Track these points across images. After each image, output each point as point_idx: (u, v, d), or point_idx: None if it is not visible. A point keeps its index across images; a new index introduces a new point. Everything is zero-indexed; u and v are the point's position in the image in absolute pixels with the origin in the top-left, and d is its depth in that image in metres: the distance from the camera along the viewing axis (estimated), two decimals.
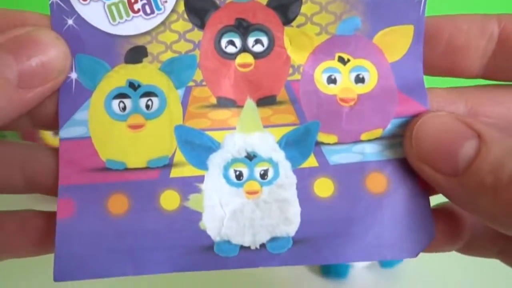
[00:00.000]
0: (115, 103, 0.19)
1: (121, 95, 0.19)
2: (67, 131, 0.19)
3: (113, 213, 0.19)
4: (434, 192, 0.19)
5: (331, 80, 0.19)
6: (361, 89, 0.19)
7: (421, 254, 0.32)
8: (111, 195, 0.19)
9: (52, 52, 0.18)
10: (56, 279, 0.18)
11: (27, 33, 0.17)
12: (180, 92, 0.19)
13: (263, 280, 0.33)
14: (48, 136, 0.39)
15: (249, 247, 0.19)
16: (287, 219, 0.19)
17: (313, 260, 0.18)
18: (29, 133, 0.39)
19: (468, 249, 0.20)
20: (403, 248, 0.18)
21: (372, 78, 0.19)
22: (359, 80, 0.19)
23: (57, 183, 0.19)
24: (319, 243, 0.18)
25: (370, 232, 0.18)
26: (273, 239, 0.19)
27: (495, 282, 0.31)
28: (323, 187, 0.19)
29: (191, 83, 0.19)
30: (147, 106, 0.19)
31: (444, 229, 0.19)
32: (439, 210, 0.20)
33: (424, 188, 0.19)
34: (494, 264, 0.30)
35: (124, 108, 0.19)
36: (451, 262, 0.32)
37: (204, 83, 0.19)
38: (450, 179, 0.17)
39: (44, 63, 0.17)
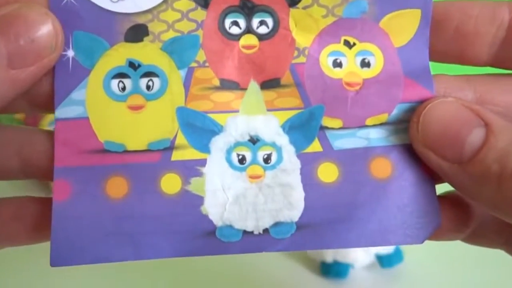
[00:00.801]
0: (114, 82, 0.18)
1: (120, 75, 0.18)
2: (63, 111, 0.18)
3: (111, 197, 0.18)
4: (440, 180, 0.19)
5: (337, 64, 0.19)
6: (366, 73, 0.19)
7: (421, 254, 0.32)
8: (109, 177, 0.18)
9: (41, 29, 0.17)
10: (53, 264, 0.17)
11: (14, 11, 0.16)
12: (182, 73, 0.19)
13: (262, 280, 0.32)
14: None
15: (252, 232, 0.18)
16: (291, 204, 0.18)
17: (316, 245, 0.18)
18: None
19: (474, 238, 0.20)
20: (407, 234, 0.18)
21: (378, 62, 0.19)
22: (365, 64, 0.19)
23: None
24: (323, 228, 0.18)
25: (374, 217, 0.18)
26: (277, 224, 0.18)
27: (496, 282, 0.31)
28: (327, 172, 0.19)
29: (193, 64, 0.19)
30: (148, 87, 0.19)
31: (451, 217, 0.19)
32: (447, 198, 0.19)
33: (430, 175, 0.18)
34: (495, 264, 0.30)
35: (123, 88, 0.18)
36: (451, 262, 0.32)
37: (207, 64, 0.19)
38: (455, 167, 0.17)
39: (34, 40, 0.17)
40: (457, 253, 0.31)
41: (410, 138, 0.18)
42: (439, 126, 0.17)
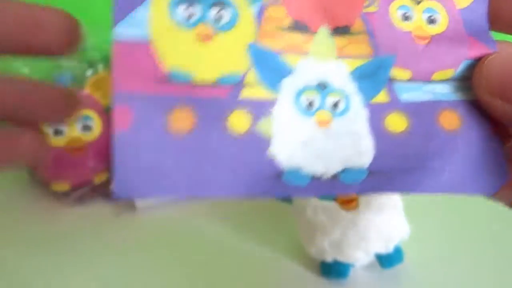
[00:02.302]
0: (182, 8, 0.17)
1: (188, 0, 0.17)
2: (124, 31, 0.17)
3: (175, 129, 0.16)
4: (507, 139, 0.19)
5: (405, 18, 0.19)
6: (433, 29, 0.19)
7: (421, 254, 0.32)
8: (175, 109, 0.16)
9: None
10: (116, 195, 0.15)
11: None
12: (255, 8, 0.18)
13: (262, 280, 0.31)
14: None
15: (320, 177, 0.17)
16: (360, 152, 0.18)
17: (390, 188, 0.17)
18: None
19: None
20: (479, 186, 0.18)
21: (443, 20, 0.19)
22: (431, 21, 0.19)
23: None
24: (395, 174, 0.17)
25: (446, 168, 0.18)
26: (346, 170, 0.17)
27: (496, 282, 0.31)
28: (396, 122, 0.18)
29: (266, 0, 0.18)
30: (217, 18, 0.17)
31: None
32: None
33: (497, 133, 0.19)
34: (495, 265, 0.31)
35: (191, 16, 0.17)
36: (451, 262, 0.32)
37: (280, 1, 0.18)
38: None
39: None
40: (457, 253, 0.32)
41: (475, 87, 0.18)
42: (504, 68, 0.17)
